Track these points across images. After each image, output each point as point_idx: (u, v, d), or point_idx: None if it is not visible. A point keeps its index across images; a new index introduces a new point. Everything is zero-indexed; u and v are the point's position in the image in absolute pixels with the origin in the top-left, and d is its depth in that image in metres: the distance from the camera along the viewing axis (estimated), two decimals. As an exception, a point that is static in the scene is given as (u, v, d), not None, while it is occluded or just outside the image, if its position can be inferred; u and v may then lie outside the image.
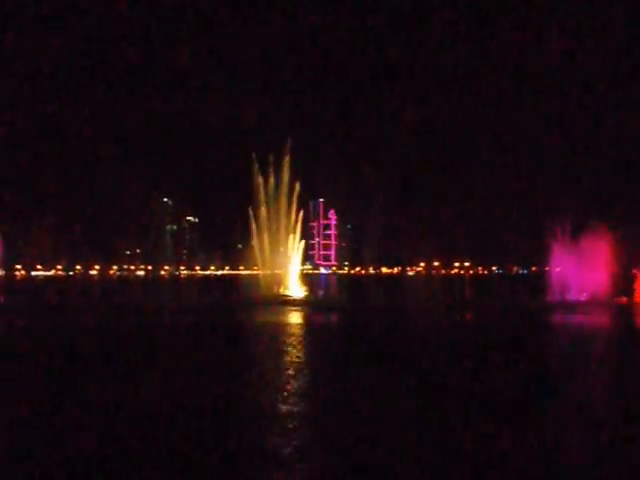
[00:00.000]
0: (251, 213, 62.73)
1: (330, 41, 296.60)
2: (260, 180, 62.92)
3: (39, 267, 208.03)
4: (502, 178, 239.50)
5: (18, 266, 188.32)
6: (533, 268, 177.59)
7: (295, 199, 63.50)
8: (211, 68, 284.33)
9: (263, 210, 62.83)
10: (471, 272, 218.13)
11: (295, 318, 40.62)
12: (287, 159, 62.95)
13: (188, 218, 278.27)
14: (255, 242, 62.88)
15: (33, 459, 10.64)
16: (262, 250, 62.48)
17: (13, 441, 11.86)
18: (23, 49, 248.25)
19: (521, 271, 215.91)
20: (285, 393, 15.73)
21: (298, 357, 22.16)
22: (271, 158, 62.84)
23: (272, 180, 62.96)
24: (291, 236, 63.54)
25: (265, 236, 62.70)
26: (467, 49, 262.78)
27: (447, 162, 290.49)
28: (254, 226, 62.74)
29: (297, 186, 62.94)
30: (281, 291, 58.55)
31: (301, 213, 63.92)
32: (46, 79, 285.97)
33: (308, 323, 38.06)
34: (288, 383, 17.09)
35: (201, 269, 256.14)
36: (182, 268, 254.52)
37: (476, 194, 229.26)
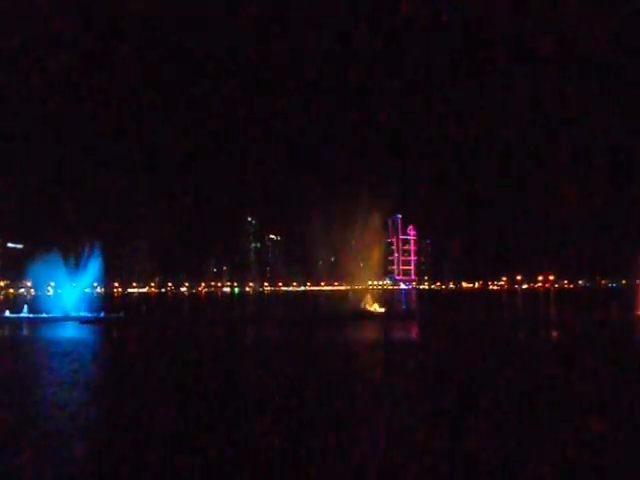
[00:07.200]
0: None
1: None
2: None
3: (134, 284, 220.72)
4: (589, 190, 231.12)
5: (115, 284, 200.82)
6: (623, 281, 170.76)
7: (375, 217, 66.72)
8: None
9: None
10: (556, 286, 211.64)
11: (376, 334, 41.59)
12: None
13: (271, 236, 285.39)
14: (348, 258, 66.49)
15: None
16: (348, 266, 65.85)
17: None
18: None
19: (610, 284, 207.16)
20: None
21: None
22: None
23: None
24: (373, 252, 66.16)
25: (353, 252, 66.34)
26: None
27: (528, 176, 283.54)
28: (354, 243, 66.06)
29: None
30: (366, 307, 60.21)
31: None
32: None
33: (389, 340, 38.18)
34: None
35: (283, 285, 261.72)
36: (266, 284, 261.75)
37: (561, 206, 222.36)
